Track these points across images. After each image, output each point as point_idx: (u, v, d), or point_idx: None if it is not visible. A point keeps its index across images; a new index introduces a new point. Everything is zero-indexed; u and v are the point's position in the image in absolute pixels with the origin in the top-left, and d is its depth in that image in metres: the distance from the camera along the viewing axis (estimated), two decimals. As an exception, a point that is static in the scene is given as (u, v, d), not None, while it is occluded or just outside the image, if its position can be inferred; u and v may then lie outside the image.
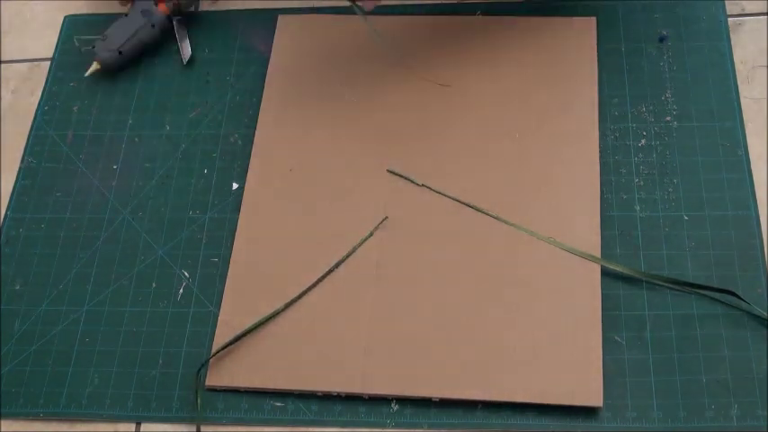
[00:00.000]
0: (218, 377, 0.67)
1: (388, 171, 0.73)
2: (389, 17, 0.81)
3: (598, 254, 0.68)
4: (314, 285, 0.69)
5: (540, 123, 0.74)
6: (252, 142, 0.77)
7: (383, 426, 0.65)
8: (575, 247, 0.68)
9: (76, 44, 0.83)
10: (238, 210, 0.74)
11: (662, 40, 0.77)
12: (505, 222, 0.70)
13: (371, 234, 0.71)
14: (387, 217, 0.71)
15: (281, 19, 0.82)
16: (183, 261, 0.73)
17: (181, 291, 0.71)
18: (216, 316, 0.69)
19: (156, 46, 0.83)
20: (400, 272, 0.69)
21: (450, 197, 0.71)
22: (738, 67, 0.75)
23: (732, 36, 0.77)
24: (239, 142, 0.78)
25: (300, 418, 0.66)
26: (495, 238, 0.69)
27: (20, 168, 0.79)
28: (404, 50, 0.79)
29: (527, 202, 0.70)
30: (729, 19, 0.78)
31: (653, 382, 0.64)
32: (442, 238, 0.70)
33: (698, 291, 0.67)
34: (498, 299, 0.67)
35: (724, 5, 0.78)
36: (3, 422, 0.68)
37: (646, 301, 0.67)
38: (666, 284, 0.67)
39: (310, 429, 0.66)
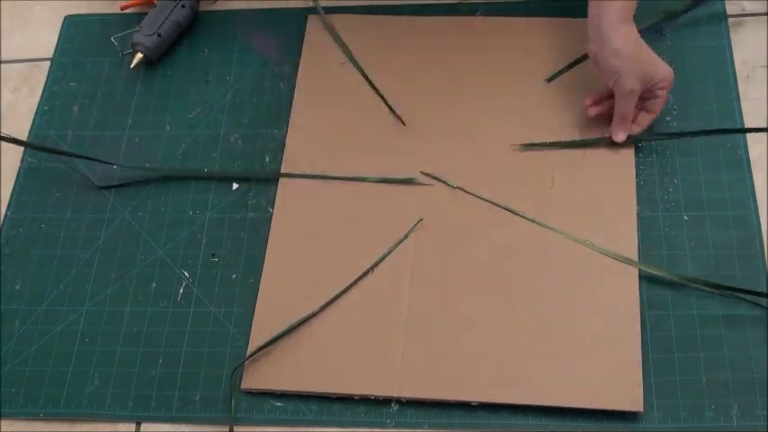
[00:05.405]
0: (254, 380, 0.66)
1: (421, 173, 0.73)
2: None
3: (635, 257, 0.67)
4: (349, 288, 0.68)
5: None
6: (252, 142, 0.77)
7: (383, 426, 0.65)
8: (612, 251, 0.67)
9: (114, 43, 0.83)
10: (238, 210, 0.73)
11: (662, 33, 0.77)
12: (541, 225, 0.69)
13: (406, 236, 0.70)
14: (422, 219, 0.70)
15: (310, 19, 0.81)
16: (182, 261, 0.73)
17: (181, 291, 0.71)
18: (216, 315, 0.69)
19: (189, 27, 0.83)
20: (436, 274, 0.68)
21: (485, 199, 0.70)
22: (738, 67, 0.75)
23: (732, 36, 0.77)
24: (239, 142, 0.78)
25: (300, 418, 0.65)
26: (530, 240, 0.68)
27: (20, 168, 0.79)
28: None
29: (562, 205, 0.69)
30: (729, 19, 0.78)
31: (653, 383, 0.64)
32: (477, 241, 0.69)
33: (737, 295, 0.65)
34: (535, 302, 0.66)
35: (724, 5, 0.78)
36: (3, 422, 0.68)
37: (646, 301, 0.66)
38: (708, 288, 0.66)
39: (310, 429, 0.65)
